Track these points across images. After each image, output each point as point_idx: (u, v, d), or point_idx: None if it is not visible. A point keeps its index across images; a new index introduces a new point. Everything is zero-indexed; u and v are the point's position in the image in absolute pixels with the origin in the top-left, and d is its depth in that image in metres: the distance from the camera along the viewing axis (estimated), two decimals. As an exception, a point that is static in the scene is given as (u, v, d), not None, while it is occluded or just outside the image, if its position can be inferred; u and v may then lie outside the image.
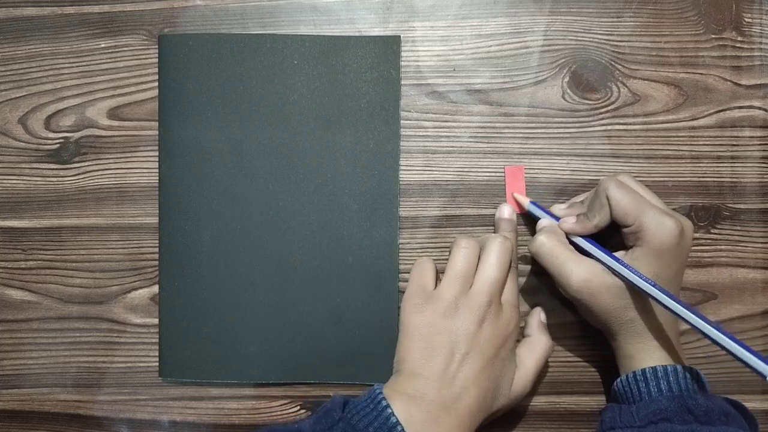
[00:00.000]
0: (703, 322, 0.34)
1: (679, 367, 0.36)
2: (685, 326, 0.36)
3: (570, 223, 0.39)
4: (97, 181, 0.44)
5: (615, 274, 0.37)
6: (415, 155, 0.44)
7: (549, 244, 0.38)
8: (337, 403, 0.35)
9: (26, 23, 0.45)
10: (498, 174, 0.44)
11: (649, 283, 0.35)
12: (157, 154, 0.44)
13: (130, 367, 0.44)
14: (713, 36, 0.44)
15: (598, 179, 0.43)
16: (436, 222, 0.44)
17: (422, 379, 0.35)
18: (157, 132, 0.44)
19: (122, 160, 0.44)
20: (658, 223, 0.36)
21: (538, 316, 0.41)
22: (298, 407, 0.44)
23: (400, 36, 0.44)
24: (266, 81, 0.43)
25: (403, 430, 0.33)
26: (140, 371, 0.44)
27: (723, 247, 0.44)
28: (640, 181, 0.40)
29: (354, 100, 0.43)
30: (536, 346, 0.39)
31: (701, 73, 0.44)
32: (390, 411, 0.33)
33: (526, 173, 0.44)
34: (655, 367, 0.36)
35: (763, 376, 0.32)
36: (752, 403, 0.43)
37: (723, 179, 0.44)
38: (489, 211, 0.44)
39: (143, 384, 0.44)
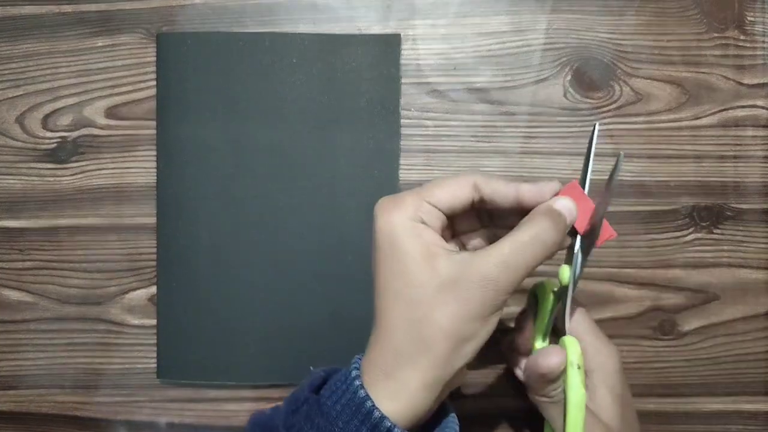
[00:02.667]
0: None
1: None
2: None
3: None
4: (94, 180, 0.44)
5: None
6: (415, 154, 0.43)
7: None
8: (308, 382, 0.31)
9: (23, 21, 0.44)
10: (499, 173, 0.43)
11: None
12: (155, 153, 0.44)
13: (127, 369, 0.44)
14: (716, 35, 0.43)
15: (600, 179, 0.43)
16: (436, 222, 0.43)
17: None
18: (155, 131, 0.44)
19: (120, 160, 0.44)
20: (599, 349, 0.35)
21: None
22: (298, 409, 0.44)
23: (400, 34, 0.43)
24: (265, 80, 0.43)
25: (373, 404, 0.28)
26: (138, 372, 0.44)
27: (726, 247, 0.43)
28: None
29: (354, 98, 0.43)
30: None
31: (704, 72, 0.43)
32: (359, 384, 0.28)
33: (527, 173, 0.43)
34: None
35: None
36: (755, 405, 0.43)
37: (726, 179, 0.43)
38: (490, 211, 0.43)
39: (141, 385, 0.44)
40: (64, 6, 0.44)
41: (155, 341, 0.43)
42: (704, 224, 0.43)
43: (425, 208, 0.29)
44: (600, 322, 0.43)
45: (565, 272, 0.33)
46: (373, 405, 0.27)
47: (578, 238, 0.32)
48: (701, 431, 0.43)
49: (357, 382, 0.28)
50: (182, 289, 0.43)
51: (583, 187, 0.33)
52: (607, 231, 0.32)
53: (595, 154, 0.43)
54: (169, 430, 0.44)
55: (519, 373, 0.37)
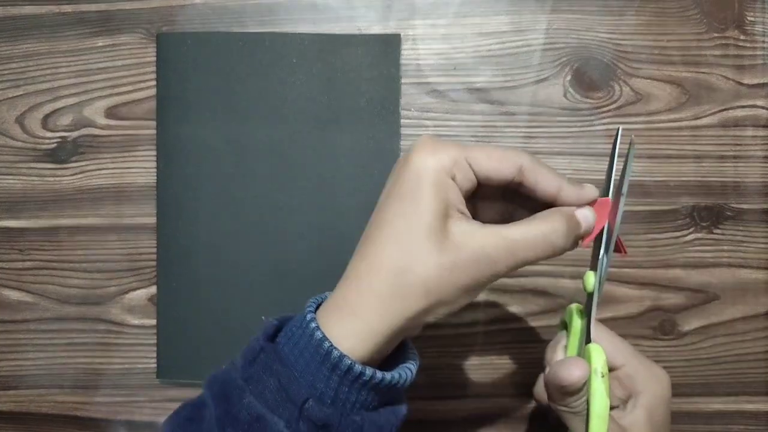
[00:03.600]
0: None
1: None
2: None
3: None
4: (94, 180, 0.44)
5: None
6: (415, 155, 0.43)
7: None
8: (263, 331, 0.30)
9: (23, 21, 0.44)
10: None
11: None
12: (155, 153, 0.44)
13: (127, 369, 0.44)
14: (716, 35, 0.43)
15: (601, 179, 0.43)
16: (436, 222, 0.43)
17: None
18: (155, 131, 0.43)
19: (120, 160, 0.44)
20: (652, 374, 0.34)
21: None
22: (298, 409, 0.44)
23: (400, 34, 0.43)
24: (265, 80, 0.43)
25: (330, 344, 0.27)
26: (138, 372, 0.44)
27: (726, 247, 0.43)
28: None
29: (354, 98, 0.43)
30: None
31: (704, 72, 0.43)
32: (315, 325, 0.27)
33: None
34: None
35: None
36: (755, 405, 0.43)
37: (726, 179, 0.43)
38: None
39: (141, 385, 0.44)
40: (64, 6, 0.44)
41: (155, 341, 0.43)
42: (704, 224, 0.43)
43: (462, 166, 0.28)
44: (601, 323, 0.43)
45: (590, 279, 0.32)
46: (331, 345, 0.27)
47: (603, 244, 0.32)
48: (702, 431, 0.43)
49: (313, 324, 0.27)
50: (182, 289, 0.43)
51: (607, 193, 0.32)
52: (618, 245, 0.32)
53: (597, 154, 0.43)
54: (169, 430, 0.44)
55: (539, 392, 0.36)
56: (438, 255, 0.27)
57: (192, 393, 0.44)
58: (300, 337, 0.28)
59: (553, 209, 0.30)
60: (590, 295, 0.33)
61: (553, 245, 0.29)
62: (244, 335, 0.43)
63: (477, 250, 0.27)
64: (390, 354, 0.30)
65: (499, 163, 0.29)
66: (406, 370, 0.29)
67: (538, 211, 0.30)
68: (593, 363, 0.31)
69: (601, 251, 0.32)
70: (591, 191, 0.30)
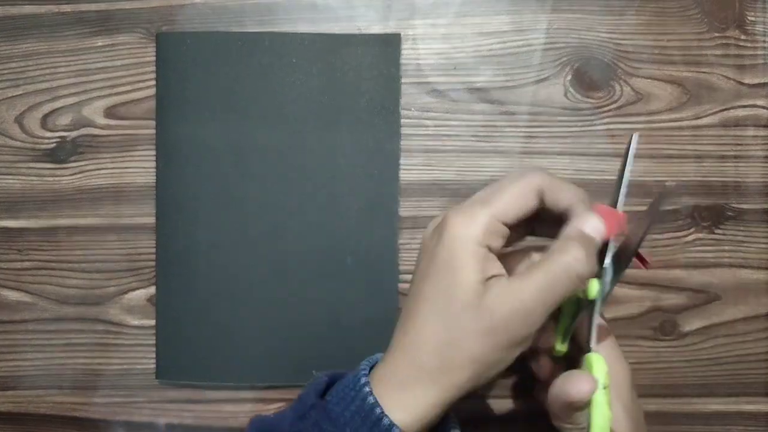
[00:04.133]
0: None
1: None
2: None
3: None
4: (93, 180, 0.44)
5: None
6: (415, 154, 0.43)
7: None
8: (314, 386, 0.30)
9: (23, 21, 0.44)
10: (499, 173, 0.43)
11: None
12: (154, 153, 0.43)
13: (126, 369, 0.44)
14: (717, 34, 0.43)
15: (601, 179, 0.43)
16: (436, 222, 0.43)
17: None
18: (154, 131, 0.43)
19: (119, 160, 0.44)
20: (613, 364, 0.33)
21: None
22: (297, 409, 0.44)
23: (400, 34, 0.43)
24: (265, 79, 0.43)
25: (382, 411, 0.27)
26: (137, 373, 0.44)
27: (726, 247, 0.43)
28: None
29: (354, 98, 0.43)
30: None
31: (705, 72, 0.43)
32: (368, 390, 0.28)
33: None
34: None
35: None
36: (755, 406, 0.43)
37: (727, 179, 0.43)
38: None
39: (140, 386, 0.44)
40: (63, 5, 0.44)
41: (154, 342, 0.43)
42: (705, 224, 0.43)
43: (494, 227, 0.29)
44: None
45: (594, 286, 0.31)
46: (383, 412, 0.27)
47: (609, 252, 0.31)
48: (701, 432, 0.43)
49: (366, 389, 0.28)
50: (181, 290, 0.43)
51: (617, 198, 0.32)
52: (640, 258, 0.32)
53: (598, 154, 0.43)
54: (167, 430, 0.44)
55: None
56: (478, 323, 0.28)
57: (191, 394, 0.44)
58: (352, 399, 0.28)
59: (563, 237, 0.30)
60: (592, 302, 0.32)
61: (579, 275, 0.29)
62: (244, 336, 0.43)
63: (511, 308, 0.28)
64: None
65: (520, 200, 0.29)
66: None
67: (555, 218, 0.30)
68: (595, 374, 0.30)
69: (607, 260, 0.31)
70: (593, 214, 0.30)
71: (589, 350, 0.32)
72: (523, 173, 0.30)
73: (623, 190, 0.32)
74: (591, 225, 0.30)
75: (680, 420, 0.43)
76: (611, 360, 0.33)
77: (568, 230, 0.30)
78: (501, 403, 0.43)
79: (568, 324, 0.34)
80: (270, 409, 0.44)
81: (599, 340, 0.33)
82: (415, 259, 0.43)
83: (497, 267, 0.29)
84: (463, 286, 0.28)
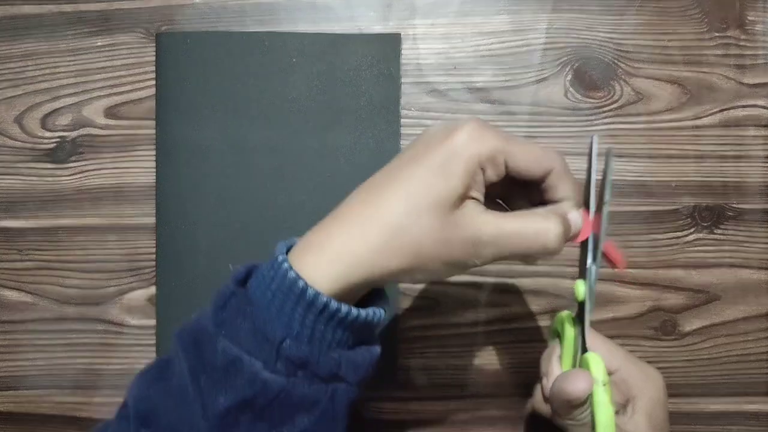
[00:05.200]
0: None
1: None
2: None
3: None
4: (93, 180, 0.44)
5: None
6: (415, 154, 0.43)
7: None
8: (232, 277, 0.30)
9: (23, 21, 0.44)
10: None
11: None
12: (154, 153, 0.43)
13: (127, 369, 0.44)
14: (717, 34, 0.43)
15: (600, 179, 0.43)
16: (436, 222, 0.43)
17: None
18: (154, 131, 0.43)
19: (119, 160, 0.44)
20: (646, 376, 0.34)
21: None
22: (298, 409, 0.44)
23: (400, 33, 0.43)
24: (265, 79, 0.43)
25: (305, 283, 0.27)
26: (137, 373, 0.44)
27: (727, 247, 0.43)
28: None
29: (354, 98, 0.43)
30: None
31: (705, 72, 0.43)
32: (287, 266, 0.27)
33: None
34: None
35: None
36: (756, 405, 0.43)
37: (727, 179, 0.43)
38: (490, 211, 0.43)
39: (140, 386, 0.44)
40: (63, 5, 0.44)
41: (154, 341, 0.43)
42: (705, 224, 0.43)
43: (497, 162, 0.29)
44: (601, 323, 0.43)
45: (580, 287, 0.32)
46: (306, 283, 0.27)
47: (590, 253, 0.32)
48: (702, 431, 0.44)
49: (285, 265, 0.27)
50: (182, 290, 0.43)
51: (588, 203, 0.32)
52: (613, 253, 0.32)
53: (598, 154, 0.43)
54: (168, 430, 0.44)
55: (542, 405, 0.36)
56: (439, 227, 0.28)
57: (192, 393, 0.44)
58: (272, 279, 0.27)
59: (550, 208, 0.30)
60: (581, 304, 0.32)
61: (544, 245, 0.29)
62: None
63: (473, 233, 0.28)
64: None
65: (534, 163, 0.29)
66: (379, 310, 0.29)
67: (535, 197, 0.31)
68: (594, 373, 0.31)
69: (589, 260, 0.32)
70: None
71: (585, 350, 0.32)
72: (547, 152, 0.30)
73: (592, 191, 0.32)
74: (573, 217, 0.30)
75: (681, 420, 0.43)
76: (641, 373, 0.34)
77: (557, 207, 0.30)
78: (502, 403, 0.43)
79: (574, 352, 0.34)
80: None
81: (616, 359, 0.34)
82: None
83: (480, 193, 0.29)
84: (447, 191, 0.28)
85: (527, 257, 0.30)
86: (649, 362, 0.43)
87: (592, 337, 0.33)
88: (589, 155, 0.32)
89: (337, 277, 0.28)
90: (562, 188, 0.30)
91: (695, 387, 0.43)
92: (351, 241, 0.28)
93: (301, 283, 0.27)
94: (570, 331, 0.34)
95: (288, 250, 0.29)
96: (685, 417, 0.43)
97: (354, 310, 0.28)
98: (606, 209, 0.31)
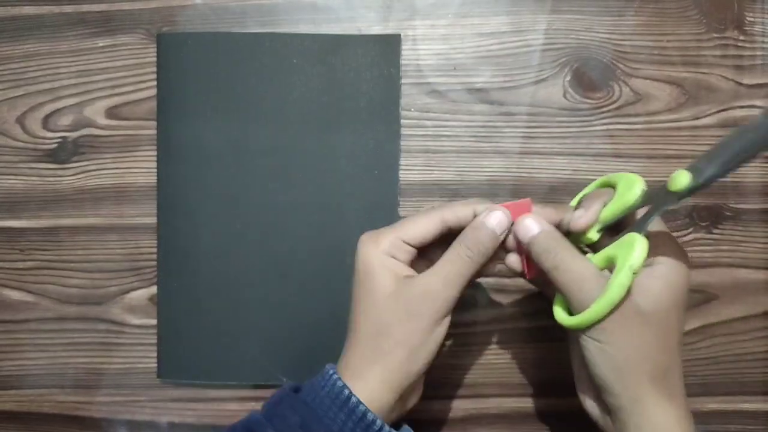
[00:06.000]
0: None
1: None
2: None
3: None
4: (95, 180, 0.44)
5: None
6: (415, 155, 0.44)
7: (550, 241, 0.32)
8: (285, 386, 0.34)
9: (24, 22, 0.44)
10: (499, 173, 0.43)
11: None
12: (155, 153, 0.44)
13: (128, 368, 0.44)
14: (715, 35, 0.43)
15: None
16: (436, 222, 0.43)
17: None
18: (155, 131, 0.44)
19: (120, 160, 0.44)
20: (678, 251, 0.32)
21: None
22: (298, 408, 0.44)
23: (400, 34, 0.43)
24: (265, 80, 0.43)
25: (350, 392, 0.32)
26: (139, 372, 0.44)
27: (725, 247, 0.43)
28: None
29: (354, 99, 0.43)
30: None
31: (703, 73, 0.43)
32: (337, 377, 0.33)
33: (526, 173, 0.43)
34: None
35: None
36: (753, 405, 0.43)
37: (725, 179, 0.43)
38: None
39: (142, 385, 0.44)
40: (64, 6, 0.44)
41: (156, 341, 0.44)
42: (703, 224, 0.43)
43: (397, 244, 0.34)
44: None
45: (684, 177, 0.29)
46: (351, 392, 0.32)
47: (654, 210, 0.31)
48: (700, 431, 0.44)
49: (335, 376, 0.33)
50: (183, 289, 0.43)
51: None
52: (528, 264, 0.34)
53: (597, 154, 0.43)
54: (170, 429, 0.44)
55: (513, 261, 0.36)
56: (397, 312, 0.33)
57: (193, 393, 0.44)
58: (322, 387, 0.33)
59: (467, 226, 0.34)
60: (669, 195, 0.30)
61: (478, 253, 0.33)
62: (245, 335, 0.43)
63: (422, 291, 0.33)
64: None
65: (424, 226, 0.34)
66: (408, 430, 0.34)
67: None
68: (631, 258, 0.29)
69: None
70: (480, 205, 0.34)
71: (642, 230, 0.30)
72: (427, 214, 0.35)
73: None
74: (492, 216, 0.34)
75: (678, 418, 0.43)
76: (675, 254, 0.32)
77: (471, 222, 0.34)
78: (501, 403, 0.44)
79: (617, 217, 0.32)
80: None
81: (660, 240, 0.32)
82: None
83: (410, 270, 0.34)
84: (380, 284, 0.33)
85: (475, 272, 0.34)
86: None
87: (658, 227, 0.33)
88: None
89: (363, 392, 0.32)
90: (462, 217, 0.34)
91: (693, 386, 0.43)
92: (355, 361, 0.33)
93: (346, 392, 0.32)
94: (633, 198, 0.32)
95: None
96: (683, 416, 0.43)
97: (387, 427, 0.32)
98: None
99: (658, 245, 0.32)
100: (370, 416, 0.31)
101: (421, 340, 0.33)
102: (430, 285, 0.33)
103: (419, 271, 0.35)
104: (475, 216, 0.34)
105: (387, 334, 0.33)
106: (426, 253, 0.36)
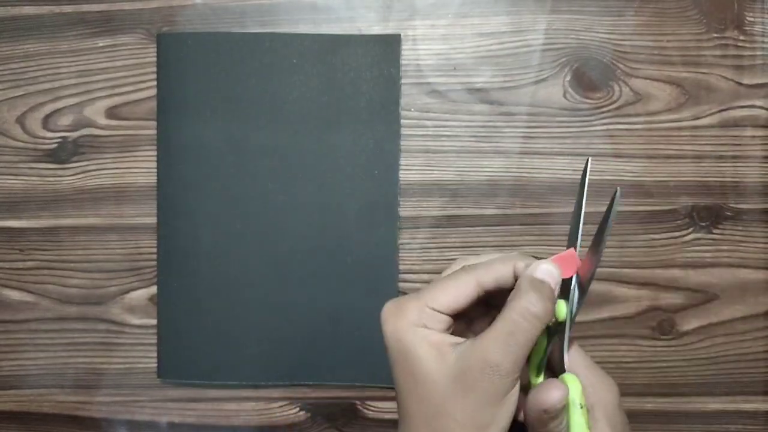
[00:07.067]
0: None
1: None
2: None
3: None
4: (95, 180, 0.44)
5: None
6: (415, 155, 0.44)
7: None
8: None
9: (24, 22, 0.44)
10: (498, 173, 0.43)
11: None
12: (155, 153, 0.44)
13: (128, 368, 0.44)
14: (715, 35, 0.43)
15: (600, 179, 0.43)
16: (436, 222, 0.43)
17: None
18: (155, 131, 0.44)
19: (120, 160, 0.44)
20: (601, 382, 0.32)
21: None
22: (298, 408, 0.44)
23: (400, 34, 0.43)
24: (265, 80, 0.43)
25: None
26: (139, 372, 0.44)
27: (725, 247, 0.43)
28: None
29: (354, 99, 0.43)
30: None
31: (703, 73, 0.43)
32: None
33: (526, 173, 0.43)
34: None
35: None
36: (753, 404, 0.43)
37: (725, 179, 0.43)
38: (490, 211, 0.43)
39: (142, 385, 0.44)
40: (64, 6, 0.44)
41: (156, 341, 0.44)
42: (703, 224, 0.43)
43: (427, 314, 0.30)
44: (599, 322, 0.43)
45: (562, 307, 0.31)
46: None
47: (575, 290, 0.31)
48: (700, 431, 0.44)
49: None
50: (183, 289, 0.43)
51: (575, 240, 0.32)
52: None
53: (597, 154, 0.43)
54: (169, 429, 0.44)
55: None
56: (449, 388, 0.28)
57: (193, 392, 0.44)
58: None
59: (516, 287, 0.30)
60: (562, 324, 0.32)
61: (537, 316, 0.29)
62: (245, 335, 0.43)
63: (477, 363, 0.28)
64: None
65: (456, 292, 0.30)
66: None
67: None
68: (571, 394, 0.30)
69: (574, 278, 0.31)
70: (525, 261, 0.31)
71: (563, 371, 0.32)
72: (456, 277, 0.31)
73: (581, 223, 0.32)
74: (541, 270, 0.30)
75: (679, 419, 0.43)
76: (594, 380, 0.33)
77: (519, 281, 0.30)
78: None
79: (541, 357, 0.33)
80: (272, 408, 0.44)
81: (575, 364, 0.33)
82: (413, 258, 0.43)
83: (448, 337, 0.30)
84: (422, 361, 0.29)
85: (538, 334, 0.29)
86: (646, 362, 0.43)
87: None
88: (582, 182, 0.32)
89: None
90: (500, 277, 0.30)
91: (693, 386, 0.43)
92: None
93: None
94: (543, 336, 0.33)
95: None
96: (683, 416, 0.43)
97: None
98: (601, 250, 0.30)
99: (582, 378, 0.32)
100: None
101: (488, 417, 0.28)
102: (488, 357, 0.28)
103: (459, 334, 0.31)
104: (515, 275, 0.30)
105: (444, 415, 0.28)
106: (463, 315, 0.31)
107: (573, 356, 0.33)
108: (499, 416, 0.29)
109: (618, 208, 0.30)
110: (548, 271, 0.30)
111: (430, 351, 0.29)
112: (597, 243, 0.31)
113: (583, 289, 0.32)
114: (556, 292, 0.30)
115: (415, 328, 0.30)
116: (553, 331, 0.33)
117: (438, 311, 0.30)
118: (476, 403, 0.28)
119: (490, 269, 0.30)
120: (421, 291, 0.31)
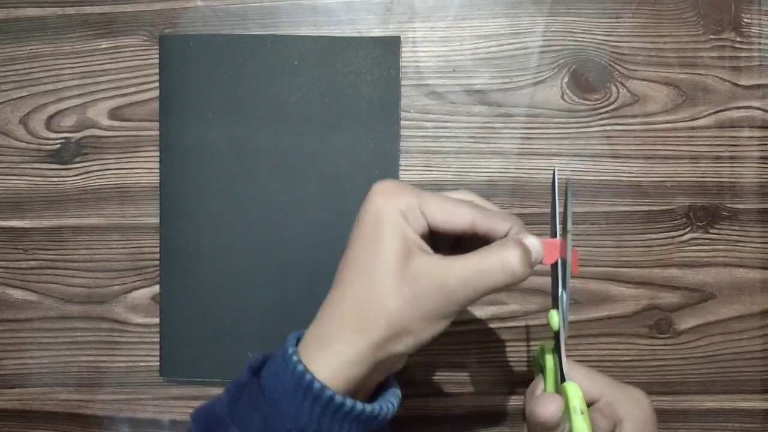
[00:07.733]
0: None
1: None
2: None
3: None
4: (98, 181, 0.44)
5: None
6: (414, 156, 0.44)
7: None
8: (247, 365, 0.31)
9: (27, 24, 0.45)
10: (497, 174, 0.44)
11: None
12: (158, 154, 0.44)
13: (131, 367, 0.44)
14: (712, 36, 0.44)
15: (597, 179, 0.44)
16: (435, 222, 0.44)
17: None
18: (158, 132, 0.44)
19: (123, 161, 0.44)
20: (631, 398, 0.34)
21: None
22: (299, 406, 0.44)
23: (400, 37, 0.44)
24: (267, 81, 0.43)
25: (312, 376, 0.28)
26: (141, 371, 0.44)
27: (721, 247, 0.44)
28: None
29: (354, 100, 0.43)
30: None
31: (700, 74, 0.44)
32: (296, 359, 0.28)
33: (524, 174, 0.44)
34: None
35: None
36: (751, 403, 0.44)
37: (722, 179, 0.44)
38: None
39: (144, 383, 0.44)
40: (67, 8, 0.45)
41: (158, 340, 0.44)
42: (700, 224, 0.44)
43: (415, 213, 0.30)
44: (596, 321, 0.43)
45: (554, 316, 0.33)
46: (312, 377, 0.28)
47: (560, 281, 0.32)
48: (698, 429, 0.44)
49: (294, 358, 0.28)
50: (185, 288, 0.43)
51: (555, 233, 0.33)
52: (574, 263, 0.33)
53: (594, 155, 0.44)
54: (172, 428, 0.44)
55: None
56: (399, 288, 0.29)
57: (195, 391, 0.44)
58: (283, 371, 0.28)
59: (505, 239, 0.31)
60: (557, 333, 0.33)
61: (511, 272, 0.29)
62: (247, 333, 0.43)
63: (436, 281, 0.29)
64: (374, 389, 0.31)
65: (449, 216, 0.30)
66: (388, 403, 0.30)
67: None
68: (571, 401, 0.31)
69: (560, 289, 0.32)
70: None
71: (563, 380, 0.33)
72: (460, 205, 0.31)
73: (557, 220, 0.33)
74: (530, 241, 0.30)
75: (676, 417, 0.44)
76: (622, 395, 0.34)
77: (509, 237, 0.31)
78: (499, 400, 0.44)
79: (555, 381, 0.34)
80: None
81: (599, 386, 0.34)
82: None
83: (421, 242, 0.30)
84: (385, 250, 0.29)
85: (499, 290, 0.30)
86: (644, 360, 0.43)
87: (571, 367, 0.34)
88: (552, 186, 0.33)
89: (336, 365, 0.29)
90: (499, 226, 0.31)
91: (690, 384, 0.44)
92: (333, 329, 0.30)
93: (308, 377, 0.28)
94: (550, 362, 0.35)
95: (298, 341, 0.31)
96: (681, 414, 0.44)
97: (359, 405, 0.28)
98: (569, 238, 0.31)
99: (604, 395, 0.34)
100: (338, 399, 0.28)
101: (417, 328, 0.29)
102: (447, 280, 0.29)
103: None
104: (506, 234, 0.31)
105: (379, 305, 0.29)
106: (437, 235, 0.31)
107: (590, 378, 0.34)
108: (426, 332, 0.29)
109: (572, 197, 0.31)
110: (536, 245, 0.31)
111: (400, 243, 0.29)
112: (564, 232, 0.32)
113: (564, 285, 0.32)
114: (533, 268, 0.30)
115: (399, 217, 0.30)
116: (556, 346, 0.34)
117: (425, 219, 0.30)
118: (412, 311, 0.29)
119: (490, 218, 0.30)
120: (421, 192, 0.31)
